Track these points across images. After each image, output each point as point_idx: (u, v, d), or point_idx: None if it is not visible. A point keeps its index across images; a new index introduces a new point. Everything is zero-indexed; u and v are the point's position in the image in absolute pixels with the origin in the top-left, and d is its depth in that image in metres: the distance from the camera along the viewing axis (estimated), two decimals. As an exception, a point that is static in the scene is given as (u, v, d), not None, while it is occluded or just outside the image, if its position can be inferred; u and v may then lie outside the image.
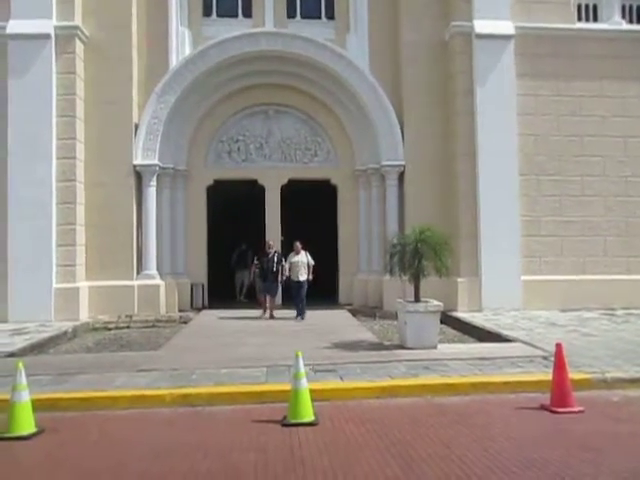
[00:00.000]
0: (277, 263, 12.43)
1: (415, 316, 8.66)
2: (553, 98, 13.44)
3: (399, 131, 13.79)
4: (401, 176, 13.96)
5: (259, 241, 14.27)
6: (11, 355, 8.53)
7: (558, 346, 6.12)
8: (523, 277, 12.97)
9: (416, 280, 9.02)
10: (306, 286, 12.44)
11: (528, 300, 12.81)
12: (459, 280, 12.89)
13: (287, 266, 12.40)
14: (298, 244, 12.53)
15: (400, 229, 13.01)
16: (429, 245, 8.75)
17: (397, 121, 13.78)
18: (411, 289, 9.35)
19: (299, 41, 13.74)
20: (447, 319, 11.75)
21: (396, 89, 13.95)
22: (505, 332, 9.93)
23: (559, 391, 5.92)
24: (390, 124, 13.81)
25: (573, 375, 6.35)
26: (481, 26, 13.12)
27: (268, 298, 12.67)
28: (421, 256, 8.79)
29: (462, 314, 12.32)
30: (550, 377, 6.11)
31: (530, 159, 13.31)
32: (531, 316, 11.95)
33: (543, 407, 5.96)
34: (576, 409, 5.84)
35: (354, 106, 14.25)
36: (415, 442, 5.01)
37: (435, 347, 8.63)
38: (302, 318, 12.27)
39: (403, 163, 13.80)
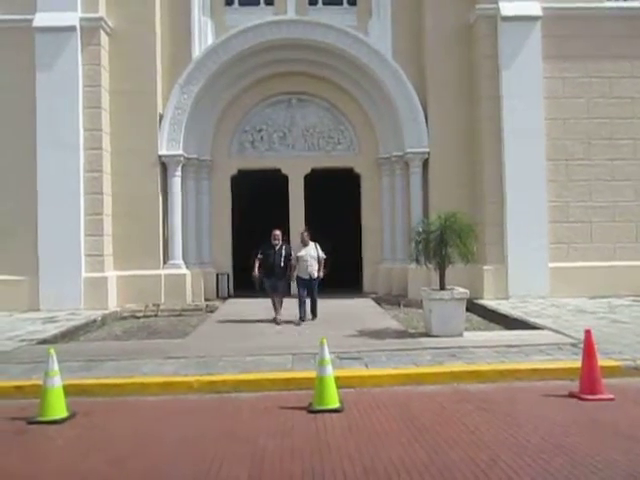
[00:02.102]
0: (285, 257, 10.34)
1: (440, 304, 8.61)
2: (581, 80, 13.11)
3: (423, 117, 13.64)
4: (425, 163, 13.83)
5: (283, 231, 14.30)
6: (43, 342, 8.75)
7: (587, 333, 6.01)
8: (551, 264, 12.76)
9: (441, 268, 8.95)
10: (317, 283, 10.50)
11: (556, 287, 12.61)
12: (485, 268, 12.75)
13: (294, 261, 10.41)
14: (305, 234, 10.60)
15: (424, 217, 12.85)
16: (454, 232, 8.66)
17: (421, 107, 13.63)
18: (436, 277, 9.27)
19: (320, 28, 13.66)
20: (473, 307, 11.65)
21: (420, 75, 13.78)
22: (532, 320, 9.81)
23: (588, 378, 5.82)
24: (414, 110, 13.66)
25: (603, 362, 6.23)
26: (507, 8, 12.85)
27: (276, 298, 10.57)
28: (446, 243, 8.71)
29: (488, 302, 12.20)
30: (579, 364, 6.01)
31: (558, 143, 13.04)
32: (559, 303, 11.76)
33: (572, 395, 5.87)
34: (606, 397, 5.73)
35: (377, 93, 14.13)
36: (441, 428, 4.98)
37: (461, 335, 8.55)
38: (313, 318, 10.47)
39: (427, 150, 13.66)
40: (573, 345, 7.63)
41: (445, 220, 8.85)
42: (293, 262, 10.42)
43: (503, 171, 12.83)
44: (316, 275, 10.37)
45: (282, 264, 10.32)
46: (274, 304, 10.49)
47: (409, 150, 13.76)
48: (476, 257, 9.40)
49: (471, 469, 4.12)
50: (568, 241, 13.03)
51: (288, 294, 11.01)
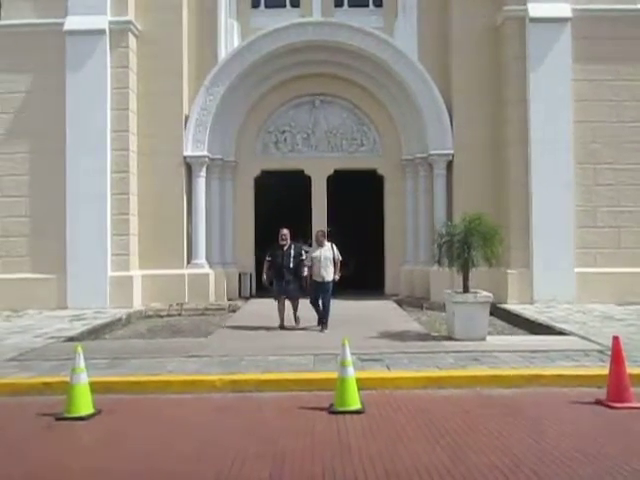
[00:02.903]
0: (295, 257, 9.60)
1: (464, 307, 8.53)
2: (612, 83, 12.86)
3: (448, 119, 13.55)
4: (449, 165, 13.73)
5: (305, 232, 14.34)
6: (70, 339, 8.93)
7: (615, 339, 5.88)
8: (577, 269, 12.54)
9: (465, 270, 8.87)
10: (330, 288, 9.72)
11: (582, 293, 12.39)
12: (509, 272, 12.60)
13: (308, 262, 9.66)
14: (320, 233, 9.95)
15: (448, 219, 12.76)
16: (479, 234, 8.58)
17: (446, 109, 13.54)
18: (459, 280, 9.19)
19: (345, 30, 13.66)
20: (496, 311, 11.51)
21: (445, 76, 13.69)
22: (558, 325, 9.65)
23: (616, 386, 5.71)
24: (438, 112, 13.58)
25: (632, 370, 6.10)
26: (535, 9, 12.69)
27: (288, 302, 9.85)
28: (470, 245, 8.63)
29: (512, 306, 12.04)
30: (607, 371, 5.90)
31: (586, 147, 12.81)
32: (585, 309, 11.55)
33: (599, 402, 5.76)
34: (635, 405, 5.61)
35: (401, 94, 14.08)
36: (463, 433, 4.94)
37: (484, 339, 8.46)
38: (325, 327, 9.63)
39: (452, 152, 13.56)
40: (600, 352, 7.48)
41: (470, 222, 8.77)
42: (306, 262, 9.60)
43: (529, 174, 12.66)
44: (330, 278, 9.56)
45: (292, 265, 9.56)
46: (279, 309, 9.75)
47: (433, 152, 13.67)
48: (501, 260, 9.30)
49: (494, 474, 4.07)
50: (595, 246, 12.78)
51: (302, 297, 9.89)
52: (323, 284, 9.58)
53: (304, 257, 9.69)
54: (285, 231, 9.80)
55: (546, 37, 12.65)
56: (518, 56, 12.80)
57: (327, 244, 9.78)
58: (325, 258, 9.57)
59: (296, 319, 9.84)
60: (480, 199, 12.92)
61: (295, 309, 9.84)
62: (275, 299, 9.86)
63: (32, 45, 12.79)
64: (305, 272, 9.60)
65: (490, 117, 13.37)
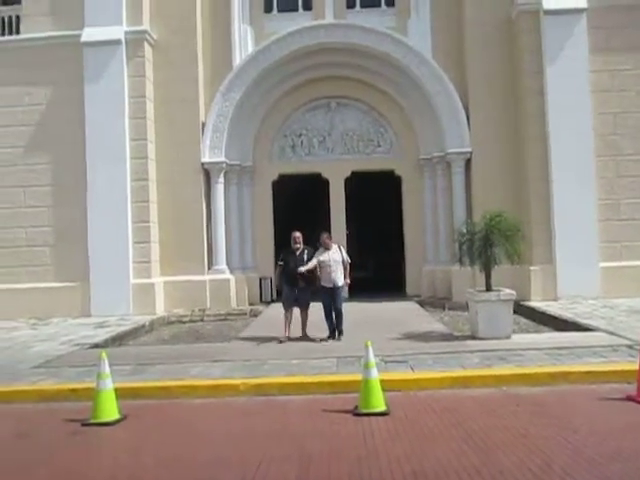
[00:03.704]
0: (308, 262, 8.88)
1: (487, 305, 8.41)
2: (631, 72, 12.63)
3: (464, 117, 13.43)
4: (467, 163, 13.61)
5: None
6: (95, 346, 9.03)
7: (644, 334, 5.75)
8: (601, 264, 12.31)
9: (487, 269, 8.77)
10: (342, 293, 9.21)
11: (607, 288, 12.15)
12: (532, 268, 12.43)
13: (313, 267, 8.89)
14: (325, 236, 9.15)
15: (468, 217, 12.65)
16: (500, 231, 8.48)
17: (462, 106, 13.42)
18: (481, 279, 9.09)
19: (358, 30, 13.64)
20: (520, 309, 11.37)
21: (460, 73, 13.59)
22: (584, 321, 9.48)
23: (647, 381, 5.57)
24: (455, 110, 13.47)
25: (662, 365, 5.95)
26: (550, 1, 12.53)
27: (296, 311, 9.11)
28: (492, 243, 8.53)
29: (536, 303, 11.87)
30: (636, 367, 5.75)
31: (606, 139, 12.59)
32: (611, 304, 11.33)
33: (629, 398, 5.63)
34: (666, 401, 5.48)
35: (417, 93, 14.00)
36: (491, 432, 4.86)
37: (509, 337, 8.35)
38: (339, 337, 8.93)
39: (469, 150, 13.44)
40: (629, 347, 7.33)
41: (490, 220, 8.67)
42: (312, 267, 8.87)
43: (549, 169, 12.48)
44: (341, 282, 8.95)
45: (305, 271, 8.85)
46: (286, 320, 9.00)
47: (451, 150, 13.56)
48: (523, 258, 9.17)
49: (524, 474, 4.00)
50: (620, 239, 12.54)
51: (309, 305, 9.13)
52: (334, 290, 8.89)
53: (316, 262, 8.91)
54: (298, 234, 9.14)
55: (561, 29, 12.47)
56: (534, 49, 12.63)
57: (334, 246, 9.12)
58: (334, 261, 8.89)
59: (305, 334, 9.01)
60: (500, 196, 12.76)
61: (304, 322, 9.05)
62: (284, 308, 9.10)
63: (51, 57, 13.02)
64: (302, 269, 8.73)
65: (507, 112, 13.22)
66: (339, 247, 9.19)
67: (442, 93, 13.52)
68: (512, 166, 13.17)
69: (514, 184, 13.13)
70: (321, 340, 8.76)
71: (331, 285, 8.87)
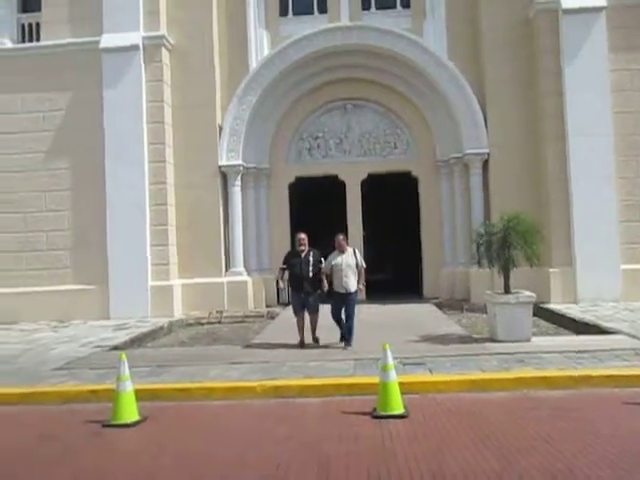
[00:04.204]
0: (314, 265, 8.51)
1: (506, 308, 8.34)
2: (652, 71, 12.45)
3: (482, 117, 13.35)
4: (485, 164, 13.52)
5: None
6: (115, 348, 9.13)
7: (668, 337, 5.66)
8: (623, 266, 12.13)
9: (505, 270, 8.69)
10: (356, 299, 8.64)
11: (629, 290, 11.98)
12: (551, 270, 12.29)
13: (328, 270, 8.54)
14: (341, 238, 8.65)
15: (486, 219, 12.59)
16: (519, 233, 8.40)
17: (479, 107, 13.34)
18: (500, 281, 9.00)
19: (374, 32, 13.63)
20: (540, 311, 11.24)
21: (477, 74, 13.51)
22: (605, 324, 9.35)
23: (671, 385, 5.48)
24: (472, 111, 13.39)
25: (686, 368, 5.86)
26: (568, 0, 12.39)
27: (307, 316, 8.74)
28: (510, 245, 8.46)
29: (556, 306, 11.73)
30: (660, 370, 5.68)
31: (627, 139, 12.42)
32: (633, 307, 11.17)
33: (653, 402, 5.55)
34: (691, 405, 5.38)
35: (433, 95, 13.96)
36: (511, 436, 4.82)
37: (528, 340, 8.27)
38: (349, 344, 8.42)
39: (487, 151, 13.35)
40: (652, 350, 7.21)
41: (508, 221, 8.60)
42: (325, 270, 8.50)
43: (568, 169, 12.34)
44: (354, 288, 8.42)
45: (311, 274, 8.46)
46: (299, 325, 8.70)
47: (468, 151, 13.48)
48: (542, 259, 9.08)
49: (545, 479, 3.95)
50: (641, 241, 12.36)
51: (318, 309, 8.73)
52: (346, 296, 8.40)
53: (324, 265, 8.57)
54: (303, 235, 8.67)
55: (580, 28, 12.34)
56: (552, 49, 12.52)
57: (349, 249, 8.62)
58: (347, 266, 8.40)
59: (315, 339, 8.70)
60: (518, 197, 12.67)
61: (314, 326, 8.70)
62: (294, 313, 8.79)
63: (70, 64, 13.21)
64: (325, 285, 8.51)
65: (525, 113, 13.11)
66: (354, 251, 8.67)
67: (459, 94, 13.45)
68: (530, 167, 13.06)
69: (533, 185, 13.01)
70: (344, 347, 8.35)
71: (343, 291, 8.40)
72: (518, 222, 8.56)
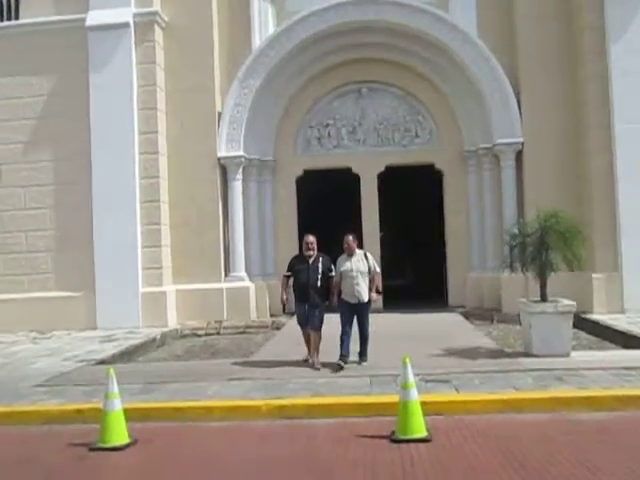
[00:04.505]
0: (324, 274, 8.28)
1: (542, 318, 8.32)
2: None
3: (515, 103, 13.30)
4: (519, 156, 13.46)
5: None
6: (102, 362, 9.18)
7: None
8: (680, 271, 12.03)
9: (542, 276, 8.67)
10: (369, 310, 8.41)
11: (685, 299, 11.87)
12: (594, 276, 12.21)
13: (337, 278, 8.29)
14: (350, 238, 8.35)
15: (519, 217, 12.51)
16: (557, 233, 8.38)
17: (512, 92, 13.28)
18: (535, 287, 9.03)
19: (392, 7, 13.59)
20: (581, 322, 11.17)
21: (510, 54, 13.46)
22: (656, 337, 9.28)
23: None
24: (504, 95, 13.34)
25: None
26: (615, -30, 12.32)
27: (310, 332, 8.42)
28: (547, 247, 8.44)
29: (599, 316, 11.67)
30: None
31: (682, 127, 12.31)
32: (689, 318, 11.08)
33: None
34: None
35: (460, 77, 13.91)
36: (548, 464, 4.79)
37: (568, 354, 8.24)
38: (361, 361, 8.31)
39: (521, 140, 13.29)
40: None
41: (545, 220, 8.58)
42: (336, 278, 8.27)
43: (614, 162, 12.25)
44: (366, 297, 8.20)
45: (319, 283, 8.23)
46: (305, 338, 8.55)
47: (499, 141, 13.43)
48: (584, 263, 9.04)
49: (588, 512, 3.93)
50: (699, 242, 12.24)
51: (321, 326, 8.39)
52: (358, 307, 8.18)
53: (335, 273, 8.32)
54: (311, 238, 8.41)
55: (627, 2, 12.24)
56: (595, 26, 12.42)
57: (359, 252, 8.40)
58: (359, 272, 8.15)
59: (315, 359, 8.24)
60: (556, 193, 12.61)
61: (315, 345, 8.31)
62: (300, 326, 8.59)
63: (52, 44, 13.32)
64: (334, 300, 8.31)
65: (565, 98, 13.03)
66: (365, 254, 8.42)
67: (489, 76, 13.39)
68: (571, 159, 12.98)
69: (573, 179, 12.93)
70: (337, 365, 7.96)
71: (355, 301, 8.16)
72: (556, 221, 8.53)
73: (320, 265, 8.29)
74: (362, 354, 8.37)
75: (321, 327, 8.36)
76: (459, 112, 14.37)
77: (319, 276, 8.24)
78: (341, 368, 7.93)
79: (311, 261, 8.34)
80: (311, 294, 8.21)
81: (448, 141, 14.57)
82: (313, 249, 8.40)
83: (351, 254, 8.32)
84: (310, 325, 8.34)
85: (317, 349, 8.32)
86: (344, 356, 8.08)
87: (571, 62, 12.99)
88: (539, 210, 9.11)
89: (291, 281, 8.60)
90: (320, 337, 8.36)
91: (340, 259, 8.39)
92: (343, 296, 8.26)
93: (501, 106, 13.40)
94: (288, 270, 8.60)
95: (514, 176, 13.50)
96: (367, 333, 8.37)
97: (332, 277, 8.34)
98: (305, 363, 8.44)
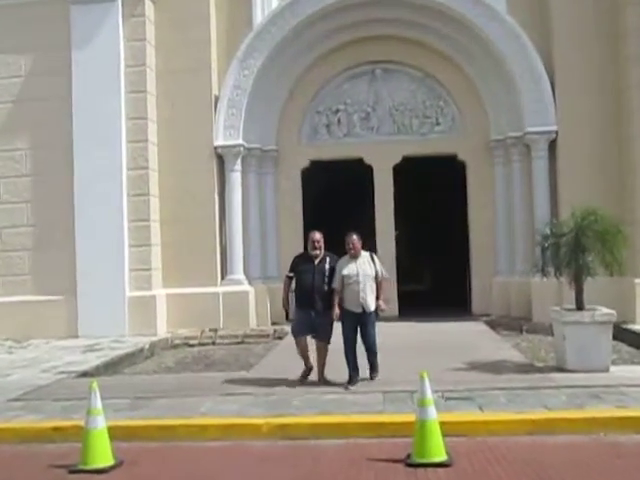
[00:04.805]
0: (331, 276, 8.05)
1: (578, 329, 8.31)
2: None
3: (549, 87, 13.30)
4: (552, 146, 13.44)
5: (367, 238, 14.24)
6: (84, 375, 9.23)
7: None
8: None
9: (577, 281, 8.66)
10: (374, 320, 8.15)
11: None
12: (637, 281, 12.20)
13: (339, 286, 7.96)
14: (354, 238, 8.08)
15: (553, 215, 12.51)
16: (595, 234, 8.37)
17: (546, 74, 13.25)
18: (570, 294, 9.02)
19: (410, -23, 13.62)
20: (621, 333, 11.15)
21: (543, 32, 13.49)
22: None
23: None
24: (536, 78, 13.33)
25: None
26: None
27: (315, 343, 8.31)
28: (584, 249, 8.43)
29: (642, 327, 11.64)
30: None
31: None
32: None
33: None
34: None
35: (486, 57, 13.92)
36: (584, 493, 4.79)
37: (606, 370, 8.24)
38: (372, 376, 8.22)
39: (555, 129, 13.29)
40: None
41: (582, 219, 8.58)
42: (336, 285, 7.98)
43: (661, 154, 12.25)
44: (373, 306, 8.01)
45: (326, 287, 8.02)
46: (302, 350, 8.29)
47: (530, 129, 13.41)
48: (625, 267, 9.02)
49: None
50: None
51: (329, 337, 8.18)
52: (363, 317, 7.99)
53: (338, 276, 8.03)
54: (318, 236, 8.22)
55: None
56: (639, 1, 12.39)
57: (364, 254, 8.16)
58: (364, 275, 7.95)
59: (322, 377, 8.15)
60: (594, 188, 12.61)
61: (323, 360, 8.16)
62: (294, 335, 8.33)
63: (31, 20, 13.39)
64: (336, 310, 7.94)
65: (605, 82, 13.03)
66: (371, 256, 8.22)
67: (519, 56, 13.38)
68: (611, 149, 12.99)
69: (614, 172, 12.94)
70: (345, 387, 7.82)
71: (359, 310, 7.94)
72: (595, 220, 8.53)
73: (327, 266, 8.09)
74: (372, 369, 8.21)
75: (330, 340, 8.12)
76: (485, 96, 14.36)
77: (326, 279, 8.03)
78: (353, 382, 7.88)
79: (317, 261, 8.13)
80: (316, 300, 7.98)
81: (472, 129, 14.57)
82: (320, 248, 8.19)
83: (356, 256, 8.06)
84: (319, 337, 8.15)
85: (324, 365, 8.15)
86: (352, 377, 7.93)
87: (611, 40, 12.97)
88: (574, 207, 9.11)
89: (292, 285, 8.41)
90: (327, 351, 8.13)
91: (341, 262, 8.09)
92: (345, 305, 7.97)
93: (533, 90, 13.37)
94: (291, 270, 8.39)
95: (546, 168, 13.48)
96: (374, 345, 8.12)
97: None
98: (304, 381, 8.18)
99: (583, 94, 13.09)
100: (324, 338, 8.10)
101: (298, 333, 8.22)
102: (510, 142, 13.98)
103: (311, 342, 8.40)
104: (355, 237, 8.08)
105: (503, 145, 14.18)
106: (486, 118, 14.45)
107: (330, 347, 8.19)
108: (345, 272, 7.94)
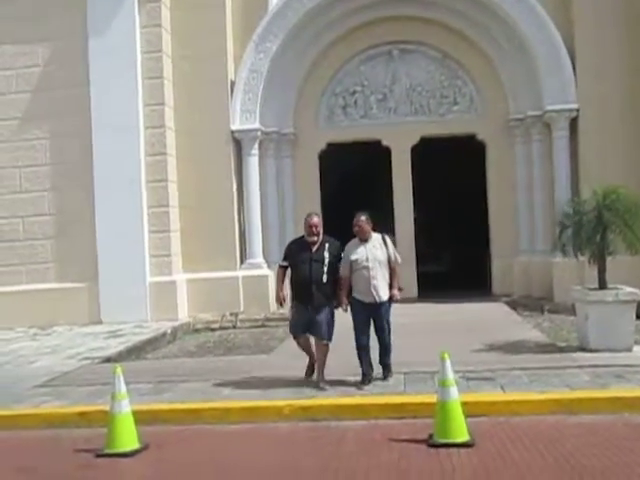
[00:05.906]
0: (331, 264, 7.16)
1: (600, 308, 8.26)
2: None
3: (569, 63, 13.12)
4: (573, 124, 13.28)
5: (386, 219, 14.21)
6: (107, 360, 9.35)
7: None
8: None
9: (600, 260, 8.60)
10: (389, 311, 7.34)
11: None
12: (660, 260, 12.04)
13: (347, 272, 7.15)
14: (363, 219, 7.21)
15: (574, 194, 12.40)
16: (617, 212, 8.30)
17: (567, 51, 13.06)
18: (592, 273, 8.96)
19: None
20: (645, 312, 11.04)
21: (564, 7, 13.28)
22: None
23: None
24: (556, 54, 13.15)
25: None
26: None
27: (314, 342, 7.40)
28: (606, 227, 8.38)
29: (666, 305, 11.50)
30: None
31: None
32: None
33: None
34: None
35: (506, 34, 13.76)
36: (609, 472, 4.76)
37: (630, 349, 8.19)
38: (386, 376, 7.38)
39: (576, 107, 13.13)
40: None
41: (604, 197, 8.52)
42: (343, 271, 7.19)
43: (684, 129, 12.06)
44: (386, 297, 7.21)
45: (325, 278, 7.12)
46: (306, 349, 7.54)
47: (550, 107, 13.26)
48: (648, 246, 8.93)
49: (653, 526, 3.91)
50: None
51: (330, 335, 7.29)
52: (375, 307, 7.17)
53: (344, 264, 7.23)
54: (315, 219, 7.28)
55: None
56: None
57: (375, 236, 7.29)
58: (376, 261, 7.11)
59: (322, 378, 7.22)
60: (616, 167, 12.50)
61: (322, 362, 7.27)
62: (292, 333, 7.59)
63: (47, 9, 13.39)
64: (344, 300, 7.22)
65: (628, 58, 12.88)
66: (383, 238, 7.31)
67: (539, 32, 13.19)
68: (634, 128, 12.82)
69: (636, 151, 12.75)
70: (358, 386, 7.12)
71: (371, 300, 7.11)
72: (617, 198, 8.47)
73: (327, 254, 7.15)
74: (385, 368, 7.41)
75: (331, 338, 7.24)
76: (504, 74, 14.20)
77: (325, 268, 7.10)
78: (368, 382, 7.18)
79: (315, 248, 7.19)
80: (314, 293, 7.08)
81: (491, 108, 14.43)
82: (318, 234, 7.24)
83: (365, 239, 7.20)
84: (315, 334, 7.25)
85: (324, 365, 7.26)
86: (366, 376, 7.21)
87: (632, 20, 12.76)
88: (596, 186, 9.04)
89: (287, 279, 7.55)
90: (328, 349, 7.26)
91: (349, 245, 7.28)
92: (355, 294, 7.17)
93: (553, 67, 13.21)
94: (284, 258, 7.51)
95: (568, 148, 13.34)
96: (388, 340, 7.32)
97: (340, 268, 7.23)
98: (308, 380, 7.47)
99: (605, 72, 12.91)
100: (323, 336, 7.20)
101: (295, 331, 7.47)
102: (530, 121, 13.83)
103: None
104: (363, 217, 7.22)
105: (523, 124, 14.04)
106: (505, 97, 14.30)
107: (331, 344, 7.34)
108: (353, 257, 7.10)
